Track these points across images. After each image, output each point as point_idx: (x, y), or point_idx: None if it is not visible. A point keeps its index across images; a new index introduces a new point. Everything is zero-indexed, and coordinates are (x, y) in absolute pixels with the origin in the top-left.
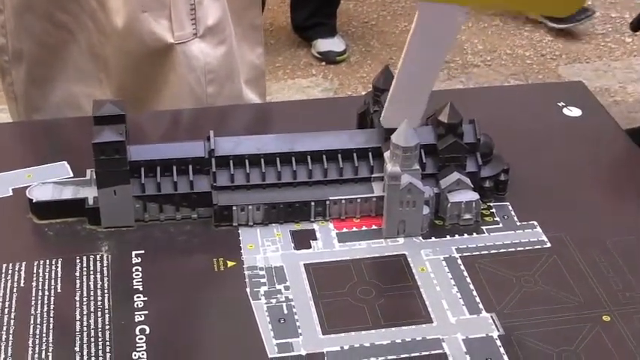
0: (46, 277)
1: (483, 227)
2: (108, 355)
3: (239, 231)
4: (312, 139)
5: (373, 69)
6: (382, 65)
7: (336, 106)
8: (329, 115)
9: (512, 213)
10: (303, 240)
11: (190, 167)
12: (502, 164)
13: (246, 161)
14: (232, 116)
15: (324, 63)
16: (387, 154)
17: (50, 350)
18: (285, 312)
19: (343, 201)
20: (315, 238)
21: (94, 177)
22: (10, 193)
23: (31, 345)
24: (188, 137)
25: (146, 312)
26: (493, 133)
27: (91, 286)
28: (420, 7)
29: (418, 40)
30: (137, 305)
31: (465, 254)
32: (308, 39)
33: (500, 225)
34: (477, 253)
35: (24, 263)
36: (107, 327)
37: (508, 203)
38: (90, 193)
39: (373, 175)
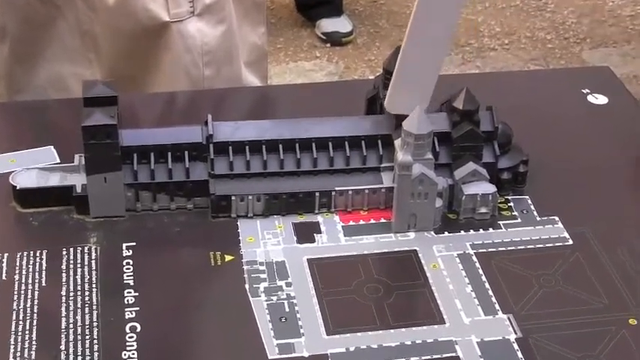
0: (30, 269)
1: (500, 222)
2: (96, 354)
3: (238, 223)
4: (317, 125)
5: (382, 52)
6: (391, 47)
7: (343, 90)
8: (335, 100)
9: (532, 207)
10: (306, 233)
11: (186, 154)
12: (521, 155)
13: (247, 148)
14: (232, 100)
15: (328, 45)
16: (397, 142)
17: (34, 348)
18: (287, 310)
19: (350, 192)
20: (320, 232)
21: (83, 163)
22: None
23: (12, 343)
24: (184, 121)
25: (137, 308)
26: (512, 121)
27: (78, 280)
28: None
29: (422, 14)
30: (127, 301)
31: (480, 251)
32: (312, 18)
33: (519, 220)
34: (494, 249)
35: (6, 255)
36: (95, 324)
37: (527, 197)
38: (78, 181)
39: (382, 165)
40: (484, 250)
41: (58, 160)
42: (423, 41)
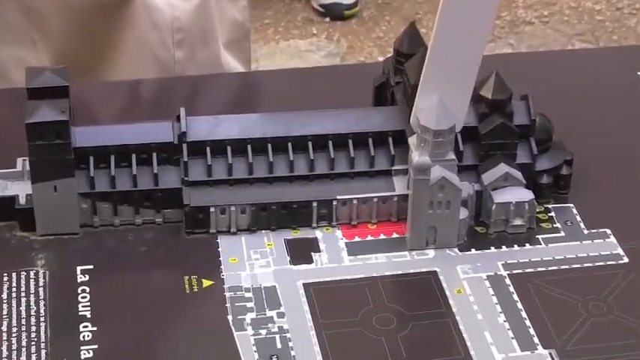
0: None
1: (539, 236)
2: None
3: (218, 240)
4: (314, 120)
5: (392, 27)
6: (404, 22)
7: (346, 76)
8: (337, 87)
9: (578, 218)
10: (302, 252)
11: (154, 156)
12: (564, 153)
13: (228, 148)
14: (209, 89)
15: (328, 19)
16: (412, 140)
17: None
18: (279, 347)
19: (355, 201)
20: (318, 250)
21: (28, 168)
22: None
23: None
24: (151, 116)
25: (95, 346)
26: (552, 112)
27: (23, 311)
28: None
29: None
30: (84, 337)
31: (515, 271)
32: None
33: (562, 234)
34: (531, 270)
35: None
36: None
37: (572, 205)
38: (21, 190)
39: (394, 168)
40: (520, 271)
41: None
42: (455, 40)
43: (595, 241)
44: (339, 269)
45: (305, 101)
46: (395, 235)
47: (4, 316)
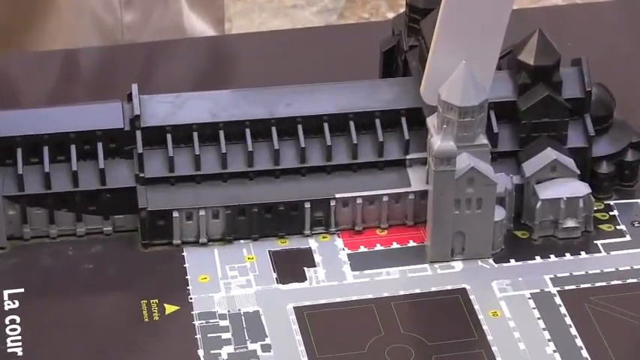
0: None
1: (598, 242)
2: None
3: (184, 253)
4: (304, 97)
5: None
6: None
7: (345, 39)
8: (333, 54)
9: None
10: (292, 267)
11: (100, 147)
12: (628, 134)
13: (195, 135)
14: (168, 59)
15: None
16: (432, 120)
17: None
18: None
19: (359, 200)
20: (313, 264)
21: None
22: None
23: None
24: (95, 96)
25: None
26: (613, 81)
27: None
28: None
29: None
30: None
31: (567, 287)
32: None
33: (628, 237)
34: (588, 285)
35: None
36: None
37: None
38: None
39: (409, 157)
40: (573, 287)
41: None
42: None
43: None
44: (340, 288)
45: (293, 73)
46: (411, 244)
47: None
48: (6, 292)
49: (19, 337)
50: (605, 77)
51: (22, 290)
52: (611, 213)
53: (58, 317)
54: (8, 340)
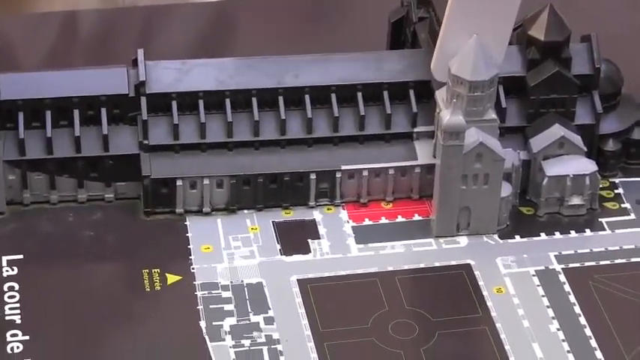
0: None
1: (603, 220)
2: None
3: (187, 223)
4: (312, 67)
5: None
6: None
7: (351, 9)
8: (341, 25)
9: None
10: (296, 239)
11: (103, 112)
12: (636, 112)
13: (200, 103)
14: (169, 23)
15: None
16: (441, 94)
17: None
18: None
19: (365, 172)
20: (318, 236)
21: None
22: None
23: None
24: (99, 60)
25: None
26: (621, 58)
27: None
28: None
29: None
30: (12, 349)
31: (571, 265)
32: None
33: (633, 216)
34: (593, 263)
35: None
36: None
37: None
38: None
39: (417, 130)
40: (577, 265)
41: None
42: None
43: None
44: (344, 261)
45: (301, 41)
46: (417, 218)
47: None
48: (5, 259)
49: (18, 305)
50: (614, 54)
51: (21, 257)
52: (616, 191)
53: (58, 285)
54: (7, 307)
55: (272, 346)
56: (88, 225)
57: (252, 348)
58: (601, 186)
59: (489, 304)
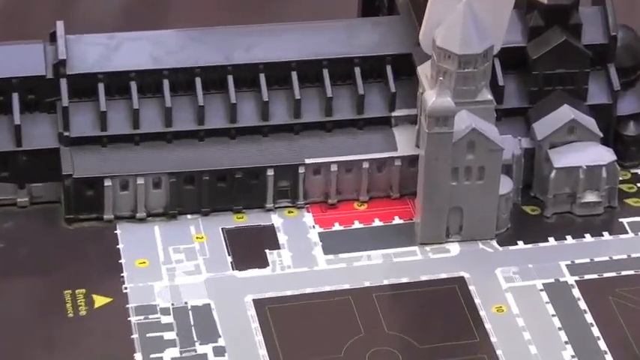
0: None
1: (624, 220)
2: None
3: (117, 231)
4: (268, 38)
5: None
6: None
7: None
8: None
9: None
10: (251, 249)
11: (15, 98)
12: None
13: (132, 85)
14: None
15: None
16: (424, 70)
17: None
18: None
19: (334, 167)
20: (277, 246)
21: None
22: None
23: None
24: (7, 36)
25: None
26: None
27: None
28: None
29: None
30: None
31: (587, 277)
32: None
33: None
34: (613, 274)
35: None
36: None
37: None
38: None
39: (395, 114)
40: (595, 276)
41: None
42: None
43: None
44: (310, 277)
45: (252, 9)
46: (398, 221)
47: None
48: None
49: None
50: (633, 19)
51: None
52: (639, 184)
53: None
54: None
55: None
56: None
57: None
58: (621, 179)
59: (488, 326)
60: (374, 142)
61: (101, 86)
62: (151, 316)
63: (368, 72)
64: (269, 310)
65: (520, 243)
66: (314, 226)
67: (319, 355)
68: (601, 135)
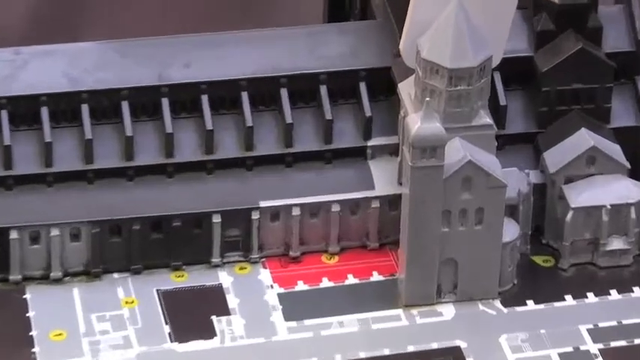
0: None
1: None
2: None
3: (27, 295)
4: (213, 52)
5: None
6: None
7: None
8: None
9: None
10: (194, 315)
11: None
12: None
13: (43, 111)
14: None
15: None
16: (406, 88)
17: None
18: None
19: (296, 210)
20: (226, 311)
21: None
22: None
23: None
24: None
25: None
26: None
27: None
28: None
29: None
30: None
31: (613, 344)
32: None
33: None
34: None
35: None
36: None
37: None
38: None
39: (371, 143)
40: (622, 343)
41: None
42: None
43: None
44: (267, 349)
45: (192, 14)
46: (377, 278)
47: None
48: None
49: None
50: None
51: None
52: None
53: None
54: None
55: None
56: None
57: None
58: None
59: None
60: (345, 179)
61: (4, 113)
62: None
63: (337, 91)
64: None
65: (530, 303)
66: (272, 286)
67: None
68: (628, 166)
